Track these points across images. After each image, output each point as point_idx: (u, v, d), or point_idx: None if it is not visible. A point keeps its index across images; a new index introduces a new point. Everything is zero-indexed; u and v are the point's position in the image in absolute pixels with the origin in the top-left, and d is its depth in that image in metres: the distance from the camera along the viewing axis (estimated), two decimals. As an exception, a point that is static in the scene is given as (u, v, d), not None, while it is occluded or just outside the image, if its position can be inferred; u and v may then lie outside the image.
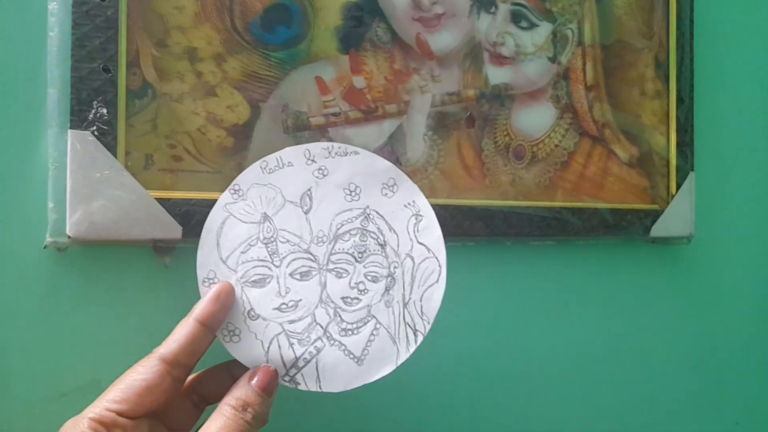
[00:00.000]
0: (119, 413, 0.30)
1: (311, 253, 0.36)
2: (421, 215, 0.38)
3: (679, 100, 0.57)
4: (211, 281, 0.35)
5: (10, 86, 0.35)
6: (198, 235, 0.35)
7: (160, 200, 0.37)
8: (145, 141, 0.37)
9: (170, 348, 0.32)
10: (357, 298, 0.36)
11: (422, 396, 0.47)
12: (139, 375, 0.31)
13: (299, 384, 0.35)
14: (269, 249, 0.36)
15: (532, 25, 0.50)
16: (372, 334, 0.36)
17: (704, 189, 0.58)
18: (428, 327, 0.37)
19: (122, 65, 0.36)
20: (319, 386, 0.36)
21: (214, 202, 0.36)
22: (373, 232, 0.37)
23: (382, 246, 0.37)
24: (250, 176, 0.36)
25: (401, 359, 0.36)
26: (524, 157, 0.50)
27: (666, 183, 0.56)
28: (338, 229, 0.37)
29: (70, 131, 0.35)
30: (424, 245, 0.37)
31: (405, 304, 0.37)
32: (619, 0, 0.55)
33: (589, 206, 0.51)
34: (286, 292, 0.35)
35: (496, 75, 0.49)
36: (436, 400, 0.47)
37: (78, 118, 0.35)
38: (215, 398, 0.36)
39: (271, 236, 0.36)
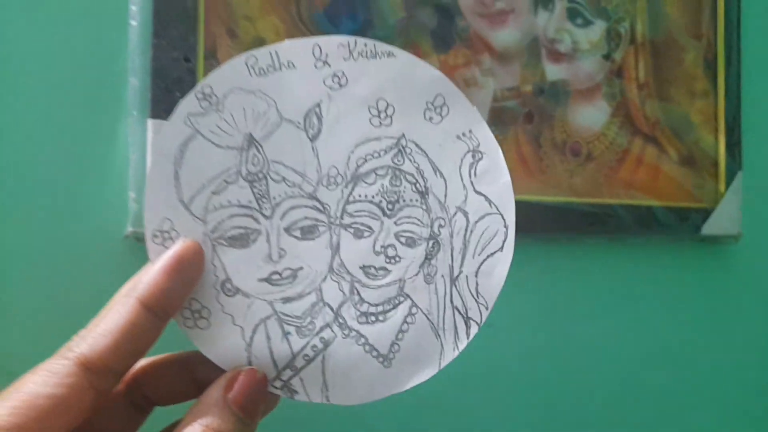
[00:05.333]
0: None
1: (318, 200, 0.25)
2: (481, 152, 0.26)
3: (727, 99, 0.57)
4: (167, 236, 0.24)
5: (91, 76, 0.35)
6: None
7: (235, 191, 0.37)
8: (219, 132, 0.37)
9: (96, 346, 0.21)
10: (384, 269, 0.26)
11: (453, 397, 0.46)
12: (43, 388, 0.20)
13: (297, 392, 0.25)
14: (256, 190, 0.25)
15: (587, 23, 0.50)
16: (405, 321, 0.26)
17: (752, 188, 0.58)
18: (486, 314, 0.26)
19: (200, 55, 0.36)
20: (326, 396, 0.25)
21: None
22: (411, 174, 0.26)
23: (423, 194, 0.26)
24: (229, 76, 0.24)
25: (446, 359, 0.26)
26: (580, 153, 0.50)
27: (715, 182, 0.56)
28: (359, 166, 0.26)
29: (150, 120, 0.35)
30: (483, 196, 0.26)
31: (454, 280, 0.26)
32: (671, -2, 0.55)
33: (643, 204, 0.51)
34: (280, 257, 0.25)
35: (553, 71, 0.49)
36: (473, 401, 0.47)
37: (158, 107, 0.35)
38: (167, 400, 0.26)
39: (260, 171, 0.25)
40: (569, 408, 0.50)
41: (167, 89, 0.35)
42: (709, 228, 0.54)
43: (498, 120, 0.46)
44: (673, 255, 0.55)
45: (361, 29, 0.42)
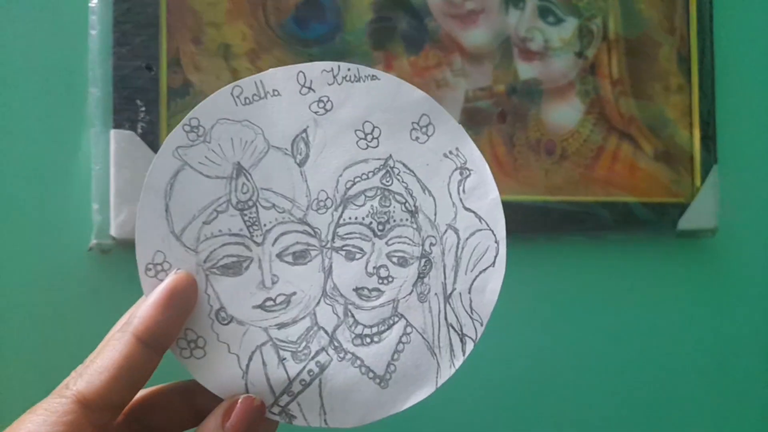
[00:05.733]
0: None
1: (309, 225, 0.25)
2: (468, 169, 0.27)
3: (702, 94, 0.57)
4: (159, 268, 0.24)
5: (51, 86, 0.34)
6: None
7: (203, 200, 0.36)
8: (186, 140, 0.37)
9: (93, 383, 0.21)
10: (377, 290, 0.26)
11: (438, 398, 0.46)
12: (42, 426, 0.21)
13: (295, 417, 0.25)
14: (246, 218, 0.25)
15: (559, 21, 0.50)
16: (400, 341, 0.26)
17: (727, 182, 0.58)
18: (481, 330, 0.26)
19: (163, 63, 0.35)
20: (324, 420, 0.25)
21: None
22: (400, 194, 0.26)
23: (413, 213, 0.26)
24: (215, 107, 0.25)
25: (443, 377, 0.26)
26: (555, 152, 0.49)
27: (690, 176, 0.56)
28: (348, 188, 0.26)
29: (113, 131, 0.34)
30: (473, 212, 0.27)
31: (447, 298, 0.26)
32: (643, -6, 0.55)
33: (620, 200, 0.51)
34: (273, 282, 0.25)
35: (526, 70, 0.48)
36: (460, 400, 0.47)
37: (120, 118, 0.34)
38: (166, 429, 0.26)
39: (249, 198, 0.25)
40: (551, 404, 0.50)
41: (129, 99, 0.34)
42: (686, 222, 0.54)
43: (471, 120, 0.46)
44: (652, 250, 0.55)
45: (330, 33, 0.42)
